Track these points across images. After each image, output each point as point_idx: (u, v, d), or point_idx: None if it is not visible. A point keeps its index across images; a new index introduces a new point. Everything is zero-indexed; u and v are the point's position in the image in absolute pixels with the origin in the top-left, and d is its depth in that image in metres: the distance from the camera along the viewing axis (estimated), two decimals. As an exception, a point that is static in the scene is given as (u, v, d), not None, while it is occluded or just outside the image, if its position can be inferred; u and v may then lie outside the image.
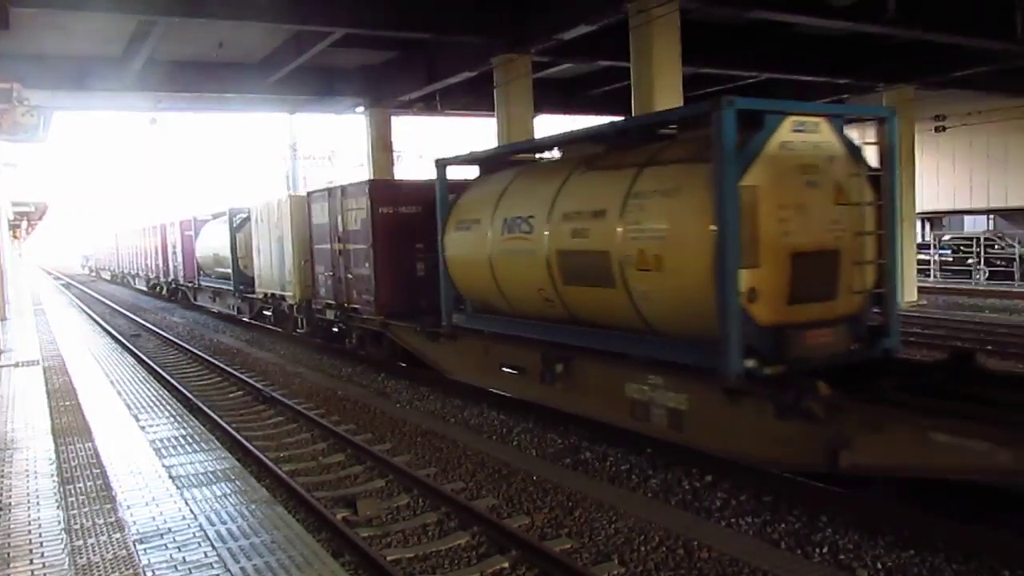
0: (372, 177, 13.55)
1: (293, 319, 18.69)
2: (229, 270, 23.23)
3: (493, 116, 18.67)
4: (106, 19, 15.90)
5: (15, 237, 31.80)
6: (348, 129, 43.51)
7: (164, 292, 34.05)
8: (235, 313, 24.23)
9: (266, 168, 63.54)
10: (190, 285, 28.75)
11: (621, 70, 17.49)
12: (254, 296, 21.05)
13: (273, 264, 19.04)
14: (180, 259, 29.36)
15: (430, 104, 22.86)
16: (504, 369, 10.41)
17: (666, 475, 7.95)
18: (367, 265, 13.98)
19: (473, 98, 21.48)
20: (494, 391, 11.28)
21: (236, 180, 66.44)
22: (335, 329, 16.98)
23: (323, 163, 42.85)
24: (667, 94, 13.49)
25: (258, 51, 19.69)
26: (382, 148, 24.16)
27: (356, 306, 14.65)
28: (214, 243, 25.14)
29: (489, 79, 18.31)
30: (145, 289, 38.87)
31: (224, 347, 19.07)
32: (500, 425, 10.30)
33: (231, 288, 23.27)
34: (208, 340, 20.47)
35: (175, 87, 20.62)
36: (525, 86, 17.71)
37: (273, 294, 19.38)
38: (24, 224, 32.04)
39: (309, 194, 16.86)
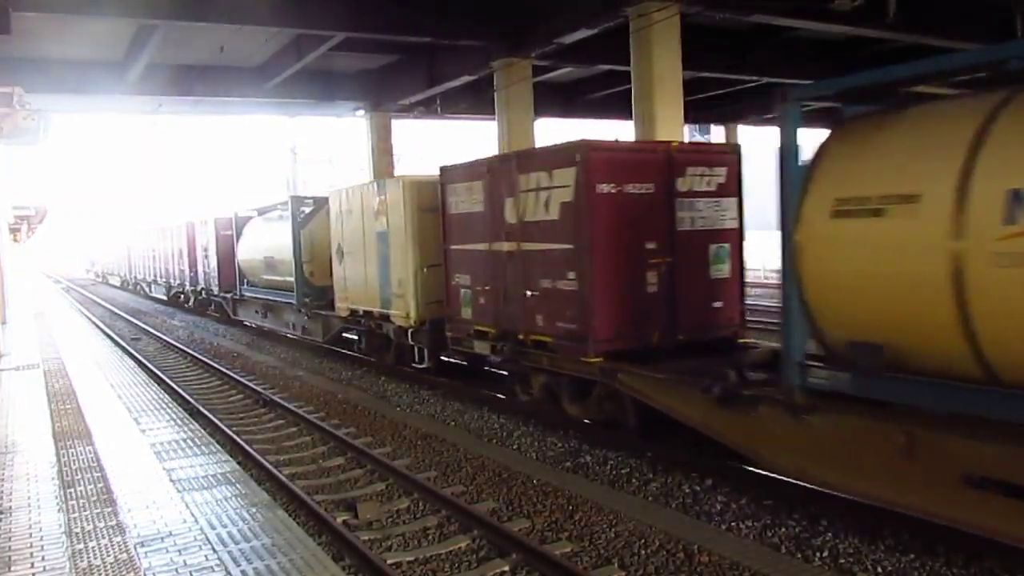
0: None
1: (403, 348, 13.76)
2: (287, 278, 18.20)
3: (493, 120, 18.72)
4: (107, 23, 15.96)
5: (15, 241, 31.70)
6: (348, 132, 43.54)
7: (191, 303, 28.97)
8: (298, 335, 18.93)
9: (267, 171, 63.73)
10: (228, 296, 23.75)
11: (622, 74, 17.56)
12: (330, 314, 16.32)
13: (368, 271, 14.17)
14: (214, 264, 24.33)
15: (430, 108, 22.93)
16: (978, 490, 5.37)
17: (666, 479, 7.95)
18: (571, 276, 9.24)
19: (473, 102, 21.55)
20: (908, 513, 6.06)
21: (238, 182, 66.48)
22: (483, 367, 12.33)
23: (323, 166, 42.97)
24: (668, 98, 13.54)
25: (258, 55, 19.74)
26: (383, 151, 24.26)
27: (543, 338, 9.83)
28: (264, 243, 20.02)
29: (489, 83, 18.36)
30: (164, 298, 33.41)
31: (224, 350, 19.07)
32: (500, 429, 10.29)
33: (292, 302, 18.11)
34: (208, 343, 20.47)
35: (176, 91, 20.68)
36: (525, 90, 17.76)
37: (367, 312, 14.44)
38: (24, 228, 31.96)
39: (445, 171, 11.83)
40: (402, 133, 31.83)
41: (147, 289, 38.37)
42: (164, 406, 9.88)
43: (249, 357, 17.80)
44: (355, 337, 15.87)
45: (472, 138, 49.52)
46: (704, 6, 13.77)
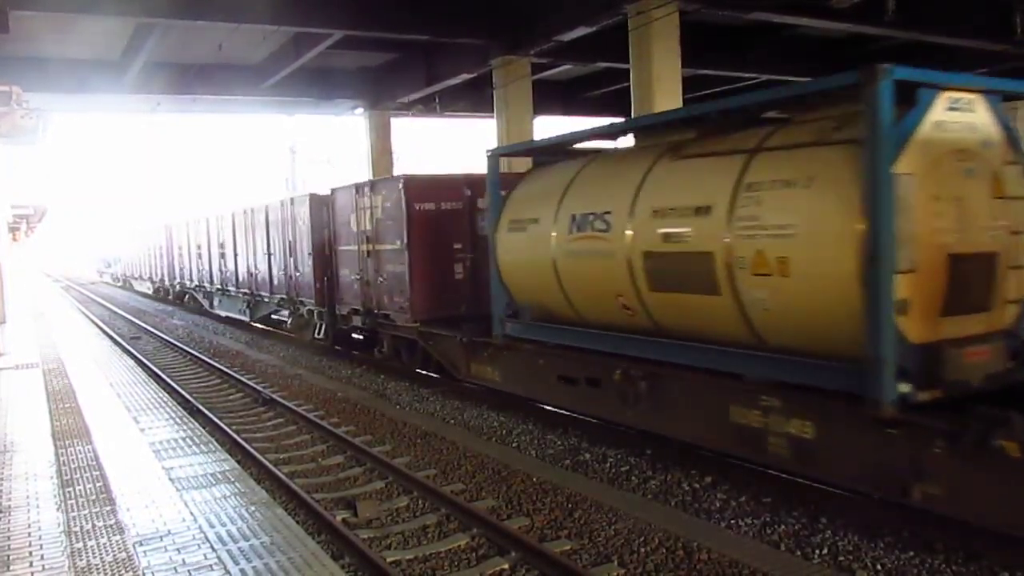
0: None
1: None
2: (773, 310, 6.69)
3: (492, 118, 18.72)
4: (105, 22, 15.95)
5: (14, 240, 31.63)
6: (347, 131, 43.64)
7: (318, 334, 16.71)
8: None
9: (267, 170, 63.94)
10: (458, 337, 11.52)
11: (621, 71, 17.56)
12: None
13: None
14: (402, 267, 12.85)
15: (429, 106, 22.94)
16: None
17: (666, 476, 7.95)
18: None
19: (472, 100, 21.56)
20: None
21: (237, 181, 66.70)
22: None
23: (323, 166, 43.03)
24: (667, 95, 13.53)
25: (257, 54, 19.73)
26: (382, 150, 24.26)
27: None
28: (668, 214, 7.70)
29: (488, 81, 18.36)
30: (243, 319, 22.50)
31: (223, 349, 19.05)
32: (500, 427, 10.29)
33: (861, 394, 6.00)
34: (207, 342, 20.45)
35: (174, 90, 20.69)
36: (524, 88, 17.75)
37: None
38: (24, 227, 31.94)
39: None
40: (398, 134, 31.79)
41: (206, 303, 26.34)
42: (163, 405, 9.87)
43: (249, 356, 17.78)
44: None
45: (470, 138, 49.69)
46: (703, 3, 13.76)
